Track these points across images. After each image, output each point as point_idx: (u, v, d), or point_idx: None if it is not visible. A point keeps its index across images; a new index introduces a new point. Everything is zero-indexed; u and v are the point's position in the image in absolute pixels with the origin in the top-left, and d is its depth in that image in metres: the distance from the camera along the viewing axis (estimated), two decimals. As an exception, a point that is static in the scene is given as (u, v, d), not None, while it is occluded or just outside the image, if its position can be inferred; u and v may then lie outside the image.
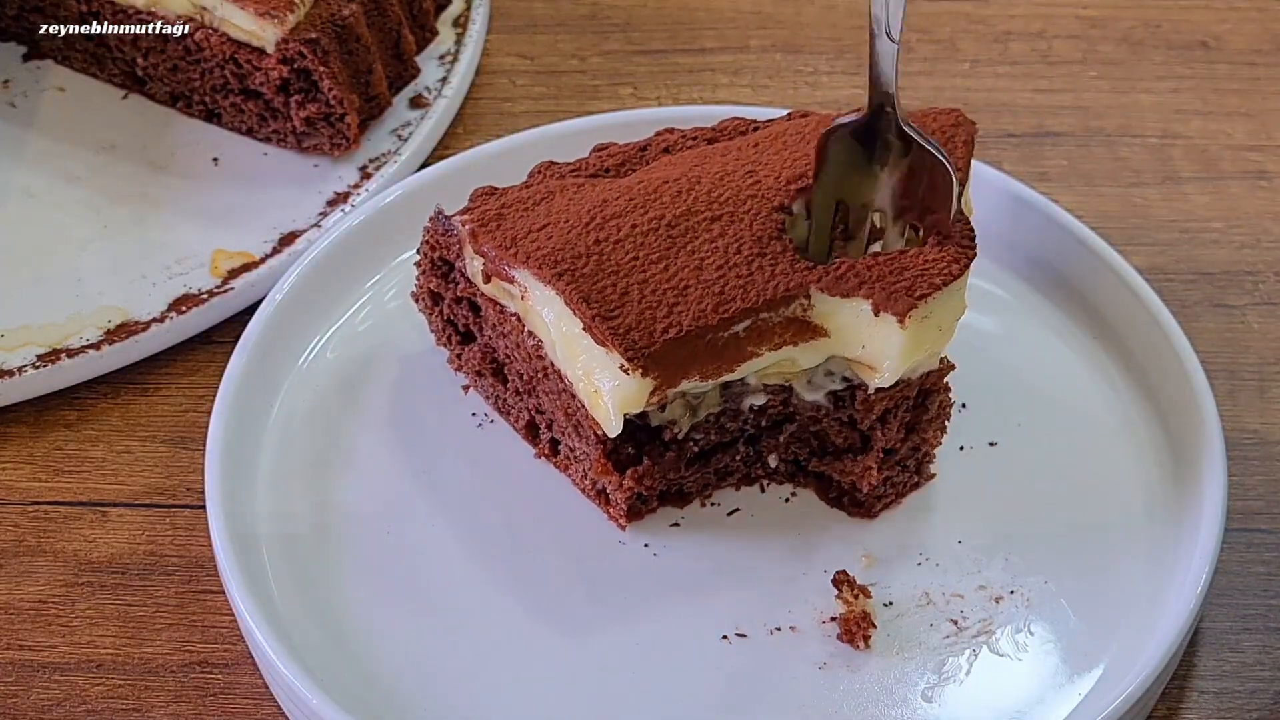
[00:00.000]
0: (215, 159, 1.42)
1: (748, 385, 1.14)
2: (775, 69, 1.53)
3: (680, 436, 1.15)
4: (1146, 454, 1.20)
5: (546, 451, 1.21)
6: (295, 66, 1.36)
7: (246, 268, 1.33)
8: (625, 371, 1.08)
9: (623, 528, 1.17)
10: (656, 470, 1.15)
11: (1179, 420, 1.19)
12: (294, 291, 1.26)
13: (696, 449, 1.16)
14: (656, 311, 1.09)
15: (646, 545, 1.17)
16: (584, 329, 1.10)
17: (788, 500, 1.19)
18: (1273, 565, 1.19)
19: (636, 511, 1.17)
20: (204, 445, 1.17)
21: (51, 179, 1.41)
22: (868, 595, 1.12)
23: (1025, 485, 1.19)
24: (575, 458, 1.18)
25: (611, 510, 1.17)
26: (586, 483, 1.18)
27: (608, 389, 1.09)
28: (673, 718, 1.09)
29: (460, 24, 1.51)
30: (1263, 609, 1.16)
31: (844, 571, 1.13)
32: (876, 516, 1.18)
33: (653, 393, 1.10)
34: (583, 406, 1.13)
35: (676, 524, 1.18)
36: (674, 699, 1.09)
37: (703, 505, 1.19)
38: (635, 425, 1.14)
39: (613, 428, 1.10)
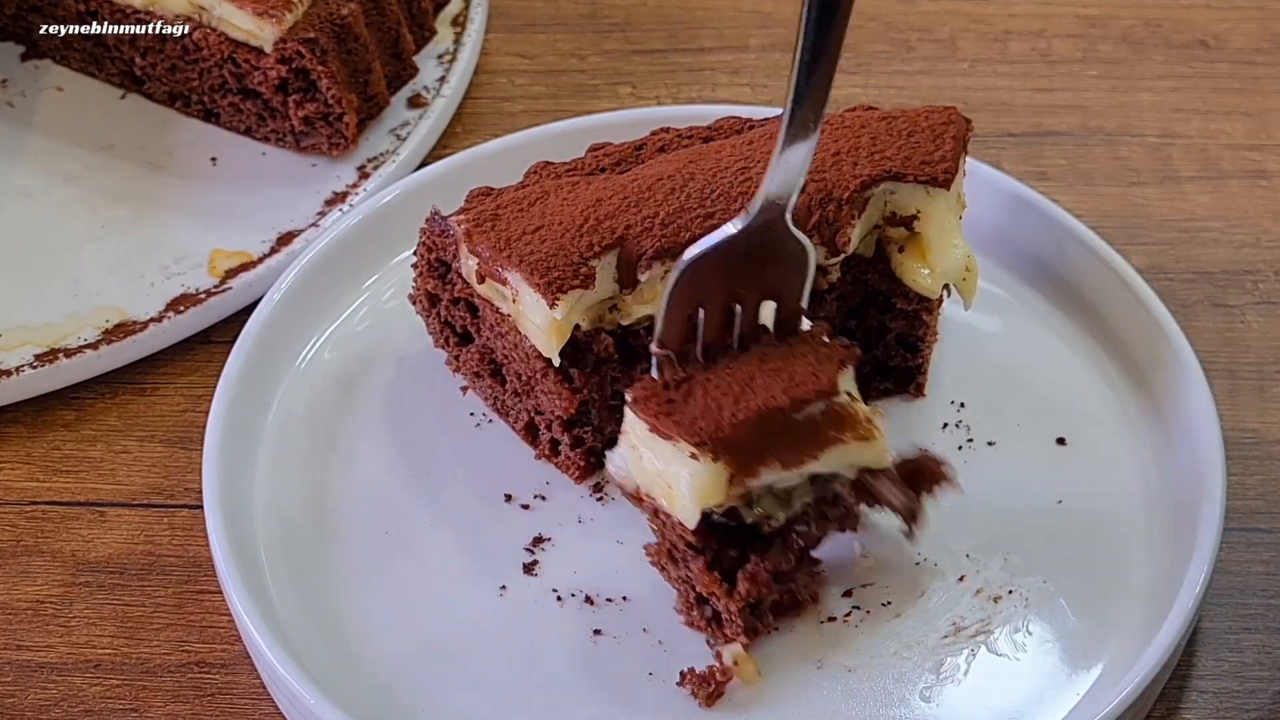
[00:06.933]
0: (213, 159, 1.42)
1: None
2: (775, 68, 1.52)
3: (778, 527, 1.07)
4: (1146, 454, 1.20)
5: (547, 452, 1.21)
6: (293, 66, 1.36)
7: (244, 267, 1.32)
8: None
9: (745, 647, 1.08)
10: (766, 564, 1.07)
11: (1179, 420, 1.19)
12: (292, 291, 1.26)
13: (800, 544, 1.09)
14: None
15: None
16: None
17: (787, 500, 1.19)
18: (1272, 565, 1.18)
19: (752, 628, 1.08)
20: (202, 445, 1.17)
21: (50, 179, 1.41)
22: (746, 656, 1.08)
23: (1025, 485, 1.19)
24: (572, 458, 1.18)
25: (726, 631, 1.09)
26: (684, 589, 1.10)
27: (685, 482, 1.04)
28: (673, 717, 1.09)
29: (459, 23, 1.51)
30: (1262, 609, 1.16)
31: (691, 669, 1.08)
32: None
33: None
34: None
35: (675, 524, 1.18)
36: (674, 699, 1.09)
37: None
38: (727, 526, 1.06)
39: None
